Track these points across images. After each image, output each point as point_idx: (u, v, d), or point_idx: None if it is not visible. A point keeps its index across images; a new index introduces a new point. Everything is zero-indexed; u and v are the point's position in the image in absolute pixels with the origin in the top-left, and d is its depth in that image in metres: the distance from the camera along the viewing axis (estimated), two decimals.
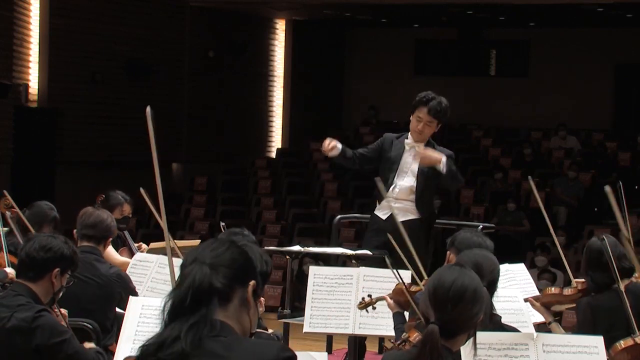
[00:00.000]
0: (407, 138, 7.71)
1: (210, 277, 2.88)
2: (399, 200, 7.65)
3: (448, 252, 5.50)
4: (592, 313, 5.61)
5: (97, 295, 6.01)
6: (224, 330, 2.86)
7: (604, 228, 15.16)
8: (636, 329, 5.14)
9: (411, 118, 7.70)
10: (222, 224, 7.42)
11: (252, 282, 2.96)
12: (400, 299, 5.73)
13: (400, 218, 7.53)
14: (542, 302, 6.05)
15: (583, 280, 5.96)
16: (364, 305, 6.05)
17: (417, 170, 7.66)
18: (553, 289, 6.16)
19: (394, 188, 7.66)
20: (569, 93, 20.32)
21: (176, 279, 3.03)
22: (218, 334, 2.84)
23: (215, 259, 2.93)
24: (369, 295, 6.00)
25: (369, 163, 7.86)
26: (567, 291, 5.99)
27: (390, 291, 5.78)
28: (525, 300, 6.09)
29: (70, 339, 4.81)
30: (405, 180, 7.69)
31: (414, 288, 5.62)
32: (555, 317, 6.07)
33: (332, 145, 7.64)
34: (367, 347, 7.59)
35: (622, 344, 4.99)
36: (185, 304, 2.83)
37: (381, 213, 7.74)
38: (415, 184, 7.66)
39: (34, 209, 7.34)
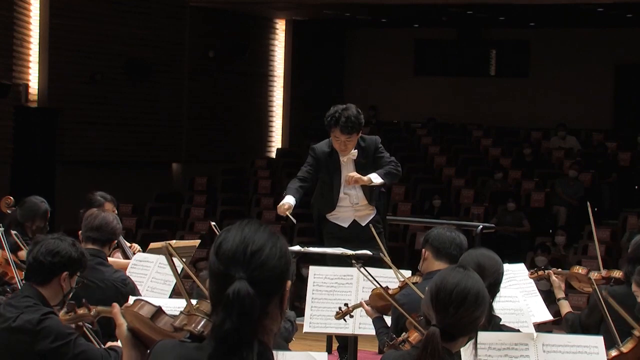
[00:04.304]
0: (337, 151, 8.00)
1: (255, 299, 2.51)
2: (359, 209, 8.08)
3: (423, 250, 5.48)
4: (606, 302, 5.59)
5: (100, 300, 5.97)
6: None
7: (604, 228, 15.17)
8: (619, 340, 5.06)
9: (331, 137, 7.98)
10: (212, 223, 7.52)
11: (288, 282, 2.65)
12: (378, 304, 5.73)
13: (363, 223, 8.01)
14: (564, 277, 6.19)
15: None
16: (341, 315, 6.06)
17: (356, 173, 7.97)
18: (582, 269, 6.27)
19: (351, 199, 8.03)
20: (568, 93, 20.30)
21: (207, 287, 2.65)
22: None
23: (254, 272, 2.56)
24: (345, 304, 6.03)
25: (315, 180, 8.12)
26: (593, 274, 6.12)
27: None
28: (540, 273, 6.19)
29: (75, 339, 4.78)
30: (357, 189, 8.03)
31: (392, 291, 5.63)
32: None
33: (287, 207, 7.84)
34: (367, 347, 7.60)
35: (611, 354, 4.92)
36: (240, 334, 2.49)
37: (341, 222, 8.07)
38: (362, 188, 8.03)
39: (26, 204, 7.51)
